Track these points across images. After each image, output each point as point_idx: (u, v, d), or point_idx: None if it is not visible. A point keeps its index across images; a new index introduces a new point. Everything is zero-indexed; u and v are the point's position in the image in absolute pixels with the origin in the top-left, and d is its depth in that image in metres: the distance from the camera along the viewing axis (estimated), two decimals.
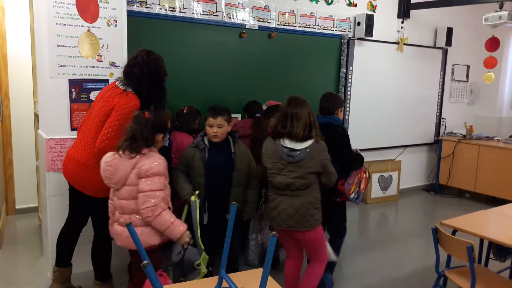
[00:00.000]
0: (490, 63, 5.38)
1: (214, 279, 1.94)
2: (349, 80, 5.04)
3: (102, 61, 3.07)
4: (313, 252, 2.67)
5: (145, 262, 1.41)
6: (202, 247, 2.51)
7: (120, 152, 2.29)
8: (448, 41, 5.80)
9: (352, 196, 2.93)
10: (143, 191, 2.25)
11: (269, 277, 1.70)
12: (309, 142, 2.47)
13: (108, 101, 2.52)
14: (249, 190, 2.90)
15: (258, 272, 1.98)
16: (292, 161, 2.46)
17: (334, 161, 2.66)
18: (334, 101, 3.09)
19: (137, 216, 2.30)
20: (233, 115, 3.66)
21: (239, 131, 3.38)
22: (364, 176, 3.03)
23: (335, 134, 2.89)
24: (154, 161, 2.28)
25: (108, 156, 2.34)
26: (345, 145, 2.96)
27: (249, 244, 3.43)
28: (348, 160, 2.93)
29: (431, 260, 3.26)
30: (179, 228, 2.32)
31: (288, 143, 2.48)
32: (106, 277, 2.77)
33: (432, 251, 2.77)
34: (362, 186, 3.00)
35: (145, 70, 2.54)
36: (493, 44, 5.29)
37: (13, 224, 4.23)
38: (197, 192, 2.67)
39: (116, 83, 2.60)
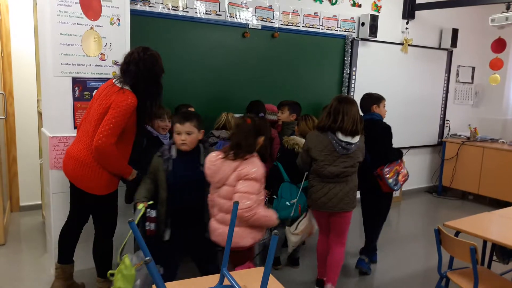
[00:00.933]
0: (496, 65, 5.34)
1: (215, 277, 1.94)
2: (353, 81, 5.02)
3: (105, 60, 3.08)
4: (343, 231, 2.97)
5: (147, 258, 1.41)
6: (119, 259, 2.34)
7: (224, 154, 2.37)
8: (453, 42, 5.77)
9: (390, 181, 3.22)
10: (239, 192, 2.30)
11: (271, 276, 1.70)
12: (358, 136, 2.83)
13: (106, 99, 2.52)
14: None
15: (259, 271, 1.98)
16: (345, 153, 2.80)
17: (373, 151, 3.16)
18: (366, 99, 3.52)
19: None
20: (235, 115, 3.66)
21: None
22: (401, 170, 3.35)
23: (380, 127, 3.32)
24: (253, 167, 2.34)
25: (213, 156, 2.41)
26: (389, 137, 3.35)
27: None
28: (391, 152, 3.31)
29: (433, 261, 3.25)
30: (273, 218, 2.42)
31: (342, 137, 2.79)
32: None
33: (434, 252, 2.75)
34: (400, 177, 3.31)
35: (141, 66, 2.54)
36: (499, 45, 5.25)
37: (17, 221, 4.25)
38: (150, 202, 2.45)
39: (114, 80, 2.61)
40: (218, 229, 2.39)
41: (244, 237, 2.34)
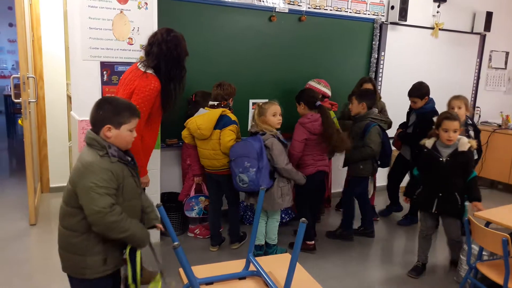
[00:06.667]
0: None
1: (241, 262, 1.95)
2: (381, 66, 4.91)
3: (132, 44, 3.09)
4: None
5: (175, 243, 1.43)
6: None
7: None
8: (487, 26, 5.53)
9: None
10: None
11: (297, 264, 1.69)
12: None
13: (130, 84, 2.52)
14: None
15: (286, 258, 1.98)
16: None
17: None
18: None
19: None
20: (261, 100, 3.63)
21: (310, 127, 3.27)
22: None
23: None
24: None
25: None
26: None
27: None
28: None
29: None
30: None
31: None
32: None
33: None
34: None
35: (163, 48, 2.52)
36: None
37: (47, 202, 4.38)
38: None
39: (138, 64, 2.59)
40: None
41: None
